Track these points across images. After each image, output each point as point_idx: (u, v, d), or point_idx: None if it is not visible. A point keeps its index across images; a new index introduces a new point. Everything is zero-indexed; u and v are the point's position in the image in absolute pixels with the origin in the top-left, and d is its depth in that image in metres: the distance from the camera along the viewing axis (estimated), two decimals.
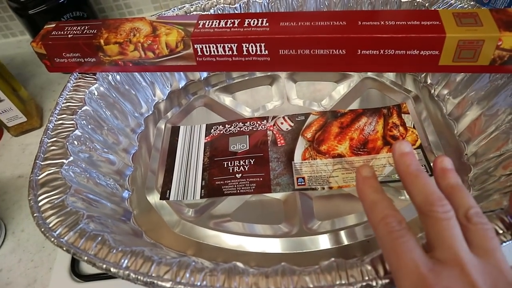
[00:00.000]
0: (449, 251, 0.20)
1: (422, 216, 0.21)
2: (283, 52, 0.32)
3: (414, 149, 0.37)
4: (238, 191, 0.36)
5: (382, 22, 0.31)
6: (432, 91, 0.41)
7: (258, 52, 0.32)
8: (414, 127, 0.39)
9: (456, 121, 0.38)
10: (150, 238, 0.33)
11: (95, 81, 0.38)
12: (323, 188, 0.35)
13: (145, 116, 0.43)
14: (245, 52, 0.33)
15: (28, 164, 0.47)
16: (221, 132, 0.40)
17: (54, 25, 0.37)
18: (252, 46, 0.32)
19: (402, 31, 0.30)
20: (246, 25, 0.32)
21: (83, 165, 0.33)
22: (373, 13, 0.32)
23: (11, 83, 0.48)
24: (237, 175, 0.37)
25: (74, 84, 0.37)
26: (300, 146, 0.38)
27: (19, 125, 0.48)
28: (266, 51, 0.32)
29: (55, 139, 0.33)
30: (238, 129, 0.40)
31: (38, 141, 0.48)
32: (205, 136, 0.41)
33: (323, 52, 0.32)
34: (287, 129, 0.40)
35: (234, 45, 0.32)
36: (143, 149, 0.40)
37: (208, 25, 0.33)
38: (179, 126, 0.42)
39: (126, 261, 0.25)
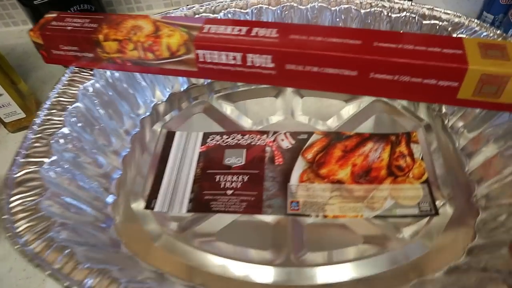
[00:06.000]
0: None
1: None
2: (290, 67, 0.30)
3: (420, 183, 0.34)
4: (227, 209, 0.34)
5: (400, 45, 0.29)
6: (446, 121, 0.39)
7: (264, 65, 0.30)
8: (422, 159, 0.36)
9: (469, 157, 0.36)
10: (128, 250, 0.31)
11: (92, 77, 0.36)
12: (317, 216, 0.33)
13: (141, 117, 0.40)
14: (249, 63, 0.30)
15: None
16: (218, 142, 0.38)
17: (55, 15, 0.35)
18: (257, 58, 0.30)
19: (420, 57, 0.28)
20: (253, 34, 0.30)
21: (67, 166, 0.31)
22: (391, 34, 0.30)
23: (11, 76, 0.46)
24: (228, 191, 0.35)
25: (68, 79, 0.35)
26: (299, 167, 0.36)
27: (17, 121, 0.46)
28: (272, 64, 0.30)
29: (40, 135, 0.31)
30: (236, 141, 0.38)
31: None
32: (201, 145, 0.38)
33: (333, 71, 0.29)
34: (287, 146, 0.38)
35: (239, 54, 0.30)
36: (135, 151, 0.38)
37: (213, 30, 0.31)
38: (175, 132, 0.40)
39: (91, 280, 0.23)
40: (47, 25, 0.34)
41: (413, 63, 0.28)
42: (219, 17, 0.40)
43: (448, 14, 0.38)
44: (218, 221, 0.34)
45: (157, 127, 0.41)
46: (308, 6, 0.40)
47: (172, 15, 0.38)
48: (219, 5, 0.41)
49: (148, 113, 0.41)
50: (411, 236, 0.32)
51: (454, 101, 0.29)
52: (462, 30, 0.37)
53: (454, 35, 0.37)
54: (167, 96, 0.42)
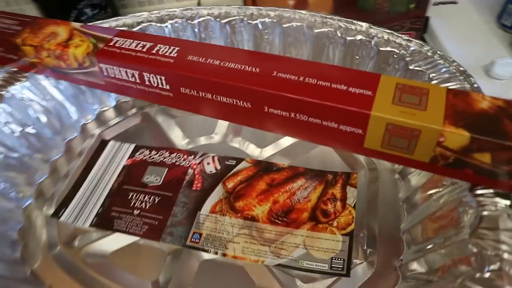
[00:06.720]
0: None
1: None
2: (184, 91, 0.27)
3: (342, 235, 0.30)
4: (128, 229, 0.32)
5: (301, 78, 0.25)
6: (396, 165, 0.33)
7: (160, 86, 0.28)
8: (354, 207, 0.31)
9: (408, 211, 0.30)
10: (23, 256, 0.31)
11: (26, 79, 0.36)
12: (216, 253, 0.30)
13: (82, 122, 0.40)
14: (147, 82, 0.28)
15: None
16: (144, 158, 0.37)
17: None
18: (153, 78, 0.28)
19: (317, 94, 0.24)
20: (154, 51, 0.28)
21: None
22: (297, 62, 0.26)
23: None
24: (135, 211, 0.33)
25: (1, 78, 0.36)
26: (215, 196, 0.33)
27: None
28: (168, 86, 0.28)
29: None
30: (162, 159, 0.36)
31: None
32: (128, 158, 0.37)
33: (226, 100, 0.26)
34: (210, 171, 0.35)
35: (136, 72, 0.28)
36: (66, 157, 0.38)
37: (119, 44, 0.29)
38: (108, 141, 0.39)
39: None
40: None
41: (307, 100, 0.24)
42: (166, 27, 0.38)
43: (411, 41, 0.32)
44: (117, 241, 0.32)
45: (96, 132, 0.40)
46: (258, 21, 0.36)
47: (98, 23, 0.37)
48: (168, 14, 0.39)
49: (91, 119, 0.41)
50: None
51: (362, 150, 0.25)
52: (420, 62, 0.31)
53: (411, 67, 0.31)
54: (114, 103, 0.42)
